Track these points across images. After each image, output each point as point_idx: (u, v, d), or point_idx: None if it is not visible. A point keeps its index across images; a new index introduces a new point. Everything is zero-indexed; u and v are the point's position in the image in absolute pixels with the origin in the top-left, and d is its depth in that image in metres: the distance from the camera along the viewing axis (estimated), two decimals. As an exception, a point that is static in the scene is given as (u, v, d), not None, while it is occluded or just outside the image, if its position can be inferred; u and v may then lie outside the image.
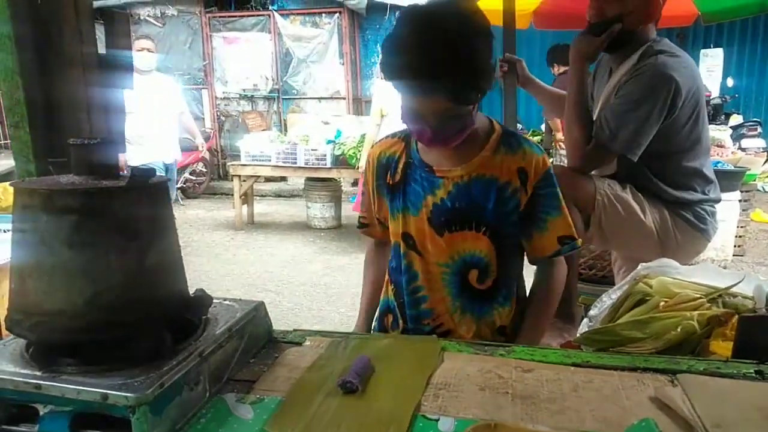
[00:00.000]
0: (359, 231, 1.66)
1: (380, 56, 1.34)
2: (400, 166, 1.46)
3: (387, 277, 1.59)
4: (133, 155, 4.99)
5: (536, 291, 1.54)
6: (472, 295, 1.43)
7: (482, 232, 1.41)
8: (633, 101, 1.82)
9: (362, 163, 5.26)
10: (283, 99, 9.86)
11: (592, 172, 2.01)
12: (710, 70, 5.98)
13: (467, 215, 1.40)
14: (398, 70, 1.27)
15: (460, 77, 1.24)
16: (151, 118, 5.01)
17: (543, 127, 6.60)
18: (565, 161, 2.26)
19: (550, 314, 1.57)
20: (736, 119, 7.00)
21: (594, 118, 1.95)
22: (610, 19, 1.85)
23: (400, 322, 1.53)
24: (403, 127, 1.44)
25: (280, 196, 8.76)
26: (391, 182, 1.47)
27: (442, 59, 1.21)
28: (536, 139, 6.42)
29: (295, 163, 6.06)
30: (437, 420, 0.98)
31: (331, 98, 9.72)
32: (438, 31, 1.22)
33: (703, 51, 6.22)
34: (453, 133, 1.32)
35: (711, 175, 1.98)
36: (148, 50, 5.06)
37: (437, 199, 1.40)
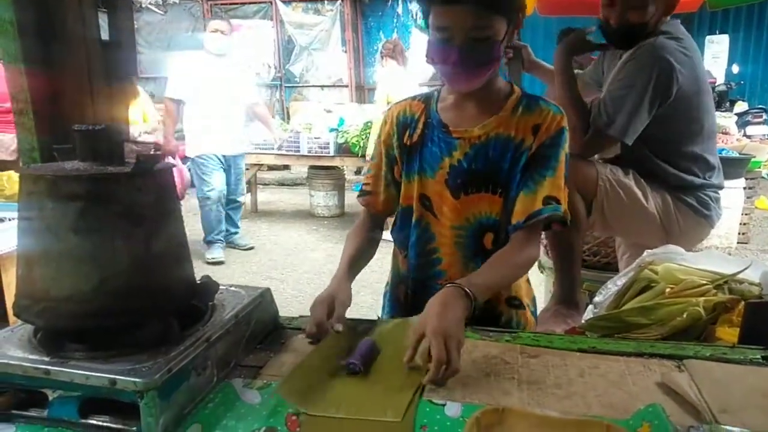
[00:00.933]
0: (359, 200, 1.54)
1: None
2: (420, 126, 1.43)
3: (395, 248, 1.57)
4: (193, 145, 4.76)
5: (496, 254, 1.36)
6: (486, 258, 1.36)
7: (498, 194, 1.37)
8: (627, 85, 1.81)
9: (369, 151, 5.23)
10: (285, 87, 9.82)
11: (595, 157, 1.99)
12: (715, 57, 5.93)
13: (483, 176, 1.37)
14: None
15: None
16: (218, 106, 4.65)
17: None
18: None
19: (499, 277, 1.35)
20: (741, 106, 6.95)
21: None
22: (631, 24, 1.81)
23: (412, 289, 1.51)
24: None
25: (283, 184, 8.75)
26: (408, 143, 1.44)
27: None
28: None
29: (298, 151, 6.03)
30: (444, 405, 0.99)
31: (334, 86, 9.68)
32: None
33: (708, 37, 6.16)
34: (479, 62, 1.28)
35: (714, 161, 1.97)
36: (222, 32, 4.60)
37: (454, 160, 1.37)
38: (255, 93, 5.26)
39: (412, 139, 1.43)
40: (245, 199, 5.68)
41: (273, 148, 5.87)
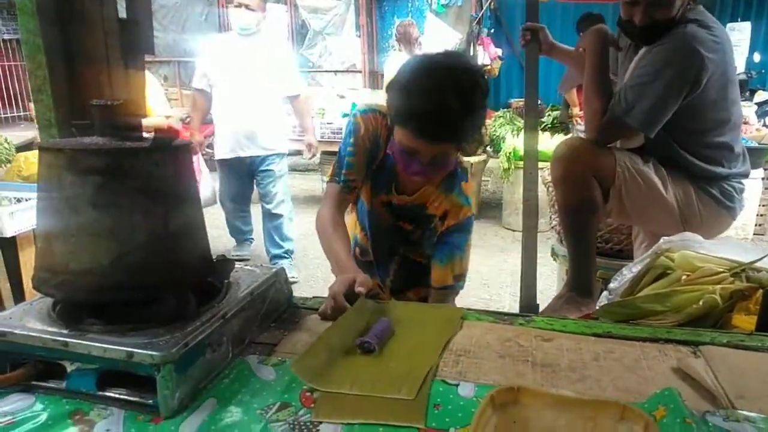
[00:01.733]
0: (346, 195, 1.61)
1: (392, 99, 1.41)
2: (381, 153, 1.59)
3: (354, 218, 1.80)
4: (221, 143, 3.99)
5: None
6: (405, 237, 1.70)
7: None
8: (652, 73, 1.77)
9: None
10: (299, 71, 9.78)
11: (617, 144, 1.97)
12: (736, 45, 5.82)
13: (410, 219, 1.66)
14: (416, 118, 1.34)
15: (470, 131, 1.41)
16: (241, 95, 3.85)
17: (561, 103, 6.51)
18: (582, 137, 2.23)
19: None
20: (761, 95, 6.82)
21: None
22: (657, 22, 1.77)
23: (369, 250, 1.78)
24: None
25: (294, 170, 8.76)
26: (375, 162, 1.62)
27: (460, 114, 1.32)
28: (555, 113, 6.32)
29: (311, 136, 6.04)
30: (457, 385, 0.99)
31: (347, 71, 9.64)
32: (459, 86, 1.32)
33: (729, 24, 6.05)
34: (437, 173, 1.51)
35: (739, 149, 1.93)
36: (247, 7, 3.74)
37: (393, 199, 1.64)
38: (296, 82, 4.18)
39: (375, 161, 1.61)
40: (288, 209, 4.31)
41: (304, 157, 4.82)
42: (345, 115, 5.99)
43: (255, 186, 4.25)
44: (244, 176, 4.14)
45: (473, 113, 1.37)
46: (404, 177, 1.57)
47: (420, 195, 1.61)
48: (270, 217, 4.20)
